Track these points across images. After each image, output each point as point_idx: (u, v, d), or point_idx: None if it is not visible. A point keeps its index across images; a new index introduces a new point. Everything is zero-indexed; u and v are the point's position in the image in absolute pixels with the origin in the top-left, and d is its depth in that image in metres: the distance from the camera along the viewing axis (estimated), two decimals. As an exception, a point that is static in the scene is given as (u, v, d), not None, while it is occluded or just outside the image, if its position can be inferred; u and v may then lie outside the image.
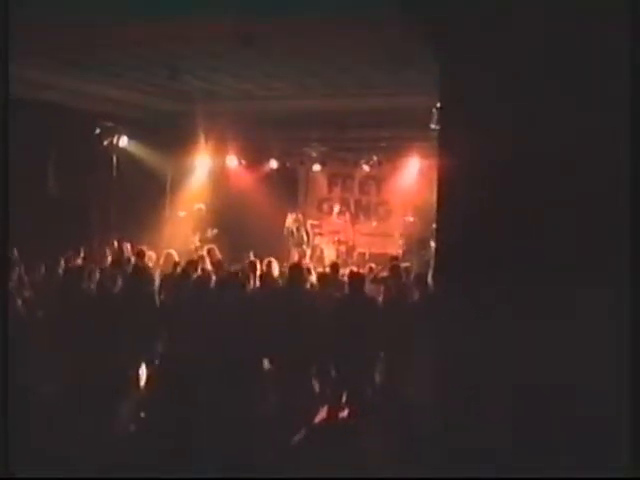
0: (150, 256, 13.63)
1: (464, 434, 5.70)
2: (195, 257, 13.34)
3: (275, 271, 12.23)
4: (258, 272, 11.47)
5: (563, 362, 5.28)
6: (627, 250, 4.94)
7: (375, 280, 11.83)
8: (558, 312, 5.25)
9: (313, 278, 11.20)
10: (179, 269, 11.75)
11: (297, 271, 10.35)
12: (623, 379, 4.86)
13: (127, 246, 14.51)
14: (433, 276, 9.90)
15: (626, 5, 4.94)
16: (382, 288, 10.88)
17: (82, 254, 13.80)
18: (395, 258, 13.55)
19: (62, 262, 12.35)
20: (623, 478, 4.78)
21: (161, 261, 13.42)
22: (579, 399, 5.19)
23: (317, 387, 9.85)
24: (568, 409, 5.24)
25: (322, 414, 9.52)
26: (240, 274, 10.69)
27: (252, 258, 12.48)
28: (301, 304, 9.63)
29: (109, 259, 13.77)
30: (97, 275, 10.68)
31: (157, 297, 10.53)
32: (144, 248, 13.53)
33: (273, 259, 12.79)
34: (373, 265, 13.56)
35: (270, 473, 7.60)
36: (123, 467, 7.32)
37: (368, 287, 10.35)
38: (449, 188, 6.01)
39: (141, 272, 10.98)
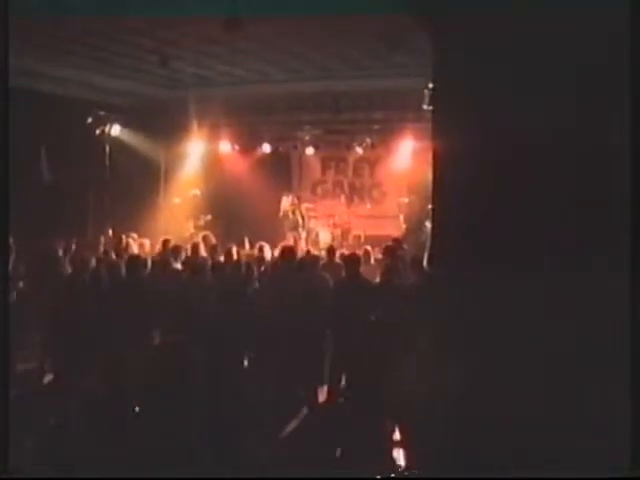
0: (143, 243, 13.64)
1: (459, 429, 5.71)
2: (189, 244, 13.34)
3: (267, 255, 12.24)
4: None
5: (561, 357, 5.27)
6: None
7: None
8: (556, 299, 5.23)
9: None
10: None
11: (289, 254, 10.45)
12: (624, 378, 4.86)
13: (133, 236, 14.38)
14: (428, 257, 9.91)
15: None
16: (378, 269, 10.89)
17: (75, 243, 13.73)
18: (397, 240, 13.47)
19: (60, 251, 12.35)
20: (623, 478, 4.78)
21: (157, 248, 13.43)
22: (579, 398, 5.19)
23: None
24: (568, 408, 5.23)
25: (320, 399, 9.54)
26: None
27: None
28: (294, 286, 9.65)
29: (102, 248, 13.78)
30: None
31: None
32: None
33: (265, 243, 12.80)
34: (369, 247, 13.53)
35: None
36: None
37: (364, 269, 10.35)
38: (444, 169, 5.99)
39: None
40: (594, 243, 5.15)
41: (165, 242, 13.05)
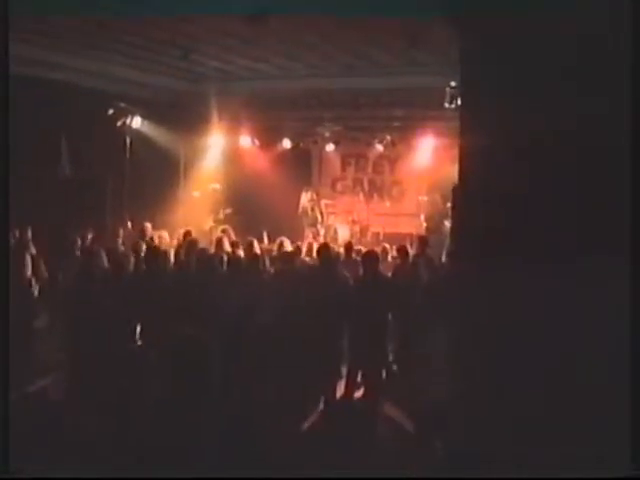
0: (162, 236, 13.68)
1: (459, 428, 5.70)
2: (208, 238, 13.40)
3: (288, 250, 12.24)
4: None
5: (567, 355, 5.24)
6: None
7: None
8: (572, 305, 5.20)
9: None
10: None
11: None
12: (624, 378, 4.84)
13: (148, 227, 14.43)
14: (447, 257, 9.90)
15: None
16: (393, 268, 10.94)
17: (92, 235, 13.76)
18: (422, 238, 13.39)
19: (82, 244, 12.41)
20: (623, 478, 4.76)
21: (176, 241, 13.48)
22: (579, 397, 5.16)
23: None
24: (568, 408, 5.21)
25: (338, 394, 9.54)
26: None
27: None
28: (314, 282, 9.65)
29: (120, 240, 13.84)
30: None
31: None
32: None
33: (285, 239, 12.81)
34: (387, 245, 13.52)
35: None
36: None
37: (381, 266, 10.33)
38: (468, 168, 5.97)
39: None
40: (618, 243, 5.11)
41: (186, 234, 13.09)
